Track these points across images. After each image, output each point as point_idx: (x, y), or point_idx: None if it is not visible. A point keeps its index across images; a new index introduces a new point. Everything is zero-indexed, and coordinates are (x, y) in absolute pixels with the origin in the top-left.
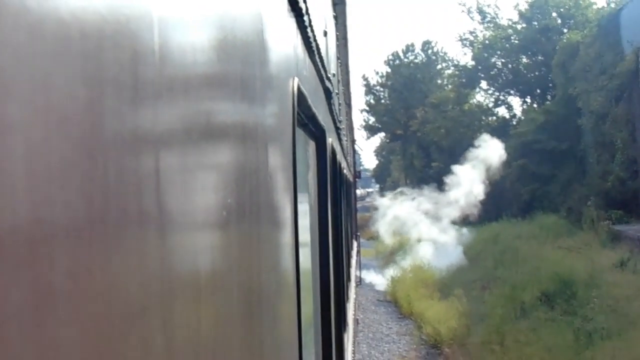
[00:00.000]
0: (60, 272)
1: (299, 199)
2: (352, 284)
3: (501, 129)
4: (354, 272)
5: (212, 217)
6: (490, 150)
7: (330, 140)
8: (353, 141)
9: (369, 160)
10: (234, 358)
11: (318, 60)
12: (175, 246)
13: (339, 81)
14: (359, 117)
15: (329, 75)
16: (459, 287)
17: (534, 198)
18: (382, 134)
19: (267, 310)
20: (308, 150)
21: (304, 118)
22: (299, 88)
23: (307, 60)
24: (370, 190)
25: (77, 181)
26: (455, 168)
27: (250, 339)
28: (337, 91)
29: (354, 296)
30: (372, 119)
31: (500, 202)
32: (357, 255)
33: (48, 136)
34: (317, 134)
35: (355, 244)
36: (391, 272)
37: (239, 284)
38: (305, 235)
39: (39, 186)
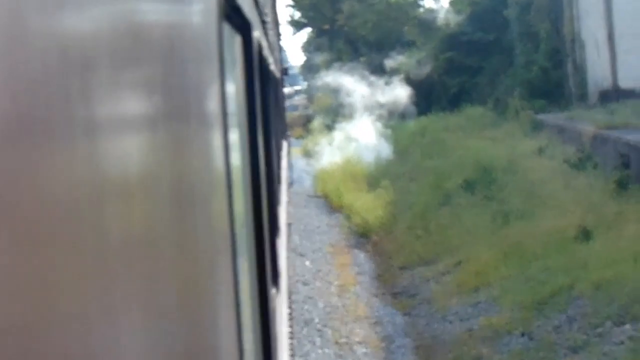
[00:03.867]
0: None
1: (227, 96)
2: (284, 186)
3: (428, 22)
4: (285, 173)
5: (138, 117)
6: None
7: (257, 34)
8: (279, 36)
9: (295, 57)
10: (164, 259)
11: None
12: (103, 147)
13: None
14: (284, 12)
15: None
16: (386, 179)
17: (462, 90)
18: (309, 30)
19: (199, 212)
20: (234, 45)
21: (229, 10)
22: None
23: None
24: (298, 87)
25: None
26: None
27: (182, 241)
28: None
29: (286, 199)
30: (297, 14)
31: (430, 96)
32: (287, 156)
33: None
34: (243, 28)
35: (285, 144)
36: (320, 168)
37: (170, 184)
38: (234, 136)
39: None
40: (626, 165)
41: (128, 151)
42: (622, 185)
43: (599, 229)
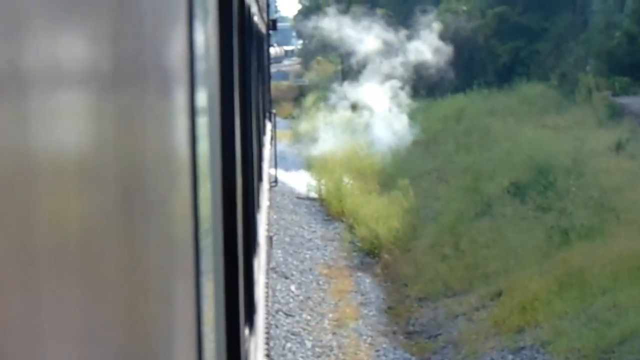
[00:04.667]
0: None
1: (195, 61)
2: (265, 185)
3: None
4: (267, 167)
5: (81, 83)
6: None
7: None
8: None
9: (287, 5)
10: (94, 285)
11: None
12: (29, 111)
13: None
14: None
15: None
16: (405, 178)
17: (517, 60)
18: None
19: (148, 216)
20: None
21: None
22: None
23: None
24: (289, 48)
25: None
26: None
27: (122, 258)
28: None
29: (267, 203)
30: None
31: (471, 66)
32: (271, 143)
33: None
34: None
35: (269, 126)
36: (315, 160)
37: (109, 172)
38: (202, 114)
39: None
40: None
41: (58, 122)
42: None
43: None
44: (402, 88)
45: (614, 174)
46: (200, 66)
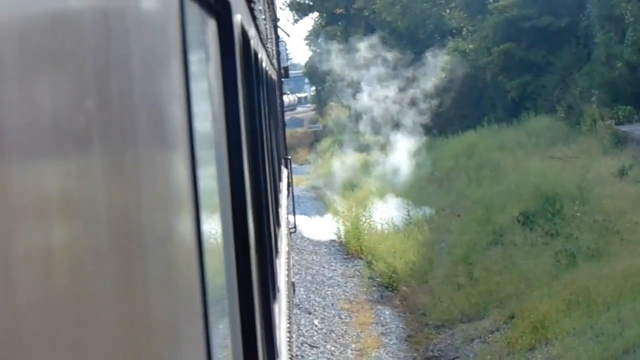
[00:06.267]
0: None
1: (195, 105)
2: (283, 230)
3: (478, 2)
4: (284, 213)
5: (56, 130)
6: None
7: (240, 18)
8: (275, 22)
9: (299, 52)
10: (113, 314)
11: None
12: (9, 164)
13: None
14: None
15: None
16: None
17: (524, 95)
18: (316, 15)
19: (159, 258)
20: (206, 33)
21: None
22: None
23: None
24: (303, 95)
25: None
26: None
27: (136, 295)
28: None
29: (287, 249)
30: None
31: (481, 102)
32: (289, 189)
33: None
34: (219, 10)
35: (285, 172)
36: (333, 203)
37: (120, 222)
38: (206, 162)
39: None
40: None
41: (40, 175)
42: None
43: None
44: (414, 128)
45: (617, 199)
46: (202, 117)
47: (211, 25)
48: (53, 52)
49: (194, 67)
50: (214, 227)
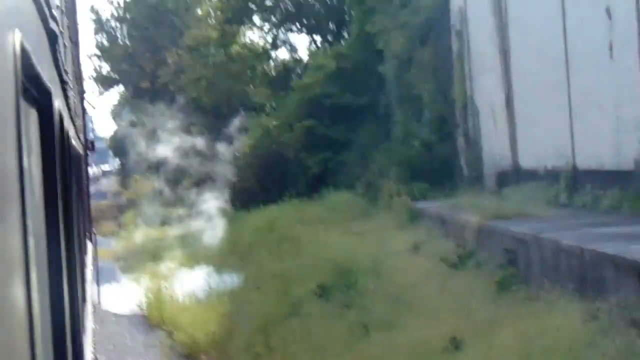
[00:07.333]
0: None
1: (26, 193)
2: (89, 306)
3: (282, 80)
4: (89, 289)
5: None
6: None
7: (57, 104)
8: (82, 95)
9: (104, 125)
10: None
11: None
12: None
13: (62, 12)
14: (89, 64)
15: (53, 10)
16: (220, 287)
17: (325, 171)
18: (121, 88)
19: None
20: (29, 124)
21: (25, 82)
22: (22, 45)
23: None
24: (107, 168)
25: None
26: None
27: None
28: (62, 29)
29: (92, 325)
30: (106, 67)
31: (283, 178)
32: (93, 264)
33: None
34: (41, 99)
35: (90, 246)
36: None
37: None
38: (32, 246)
39: None
40: (512, 262)
41: None
42: (504, 286)
43: (471, 338)
44: (218, 202)
45: (410, 272)
46: (30, 199)
47: (33, 115)
48: None
49: (24, 154)
50: (30, 311)
